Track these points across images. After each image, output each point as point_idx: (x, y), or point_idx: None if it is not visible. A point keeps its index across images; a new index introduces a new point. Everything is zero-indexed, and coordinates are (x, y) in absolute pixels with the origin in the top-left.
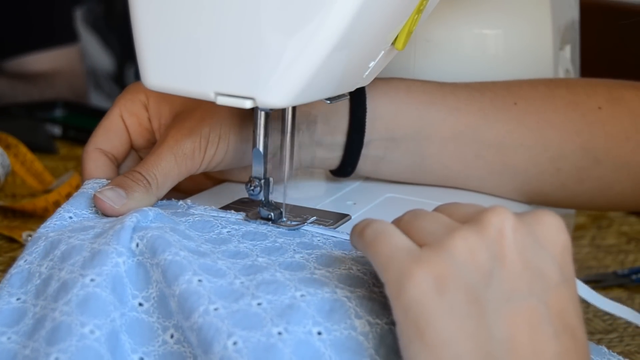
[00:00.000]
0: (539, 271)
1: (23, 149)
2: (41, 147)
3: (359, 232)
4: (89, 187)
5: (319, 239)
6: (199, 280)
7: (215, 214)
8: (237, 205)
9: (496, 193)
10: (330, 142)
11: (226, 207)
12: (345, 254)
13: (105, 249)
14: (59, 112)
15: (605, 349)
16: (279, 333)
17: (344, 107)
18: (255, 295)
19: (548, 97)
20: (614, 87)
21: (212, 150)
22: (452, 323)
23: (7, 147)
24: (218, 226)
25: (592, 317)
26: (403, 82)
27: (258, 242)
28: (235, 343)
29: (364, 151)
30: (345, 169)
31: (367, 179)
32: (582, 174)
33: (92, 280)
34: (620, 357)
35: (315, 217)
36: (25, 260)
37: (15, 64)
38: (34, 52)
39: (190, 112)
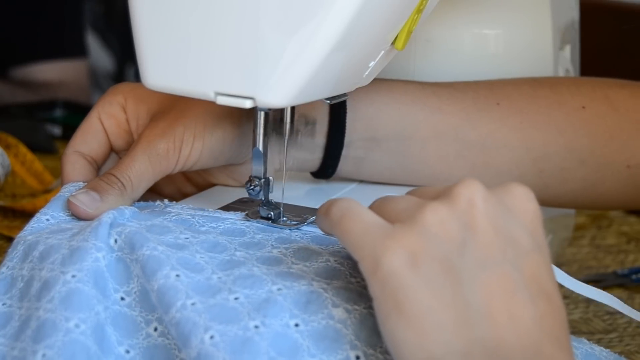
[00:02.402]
0: (511, 238)
1: (23, 149)
2: (41, 147)
3: (324, 211)
4: (66, 190)
5: (297, 234)
6: (177, 275)
7: (193, 212)
8: (237, 205)
9: None
10: (310, 144)
11: (226, 208)
12: (323, 247)
13: (84, 245)
14: (59, 112)
15: (586, 341)
16: (256, 326)
17: (324, 108)
18: (232, 290)
19: (531, 97)
20: (598, 85)
21: (187, 149)
22: (429, 294)
23: (7, 147)
24: (195, 224)
25: (592, 317)
26: (384, 83)
27: (236, 238)
28: (212, 337)
29: (344, 152)
30: (325, 170)
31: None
32: (566, 174)
33: (73, 276)
34: (602, 348)
35: (314, 217)
36: (7, 267)
37: (21, 72)
38: (41, 62)
39: (165, 112)
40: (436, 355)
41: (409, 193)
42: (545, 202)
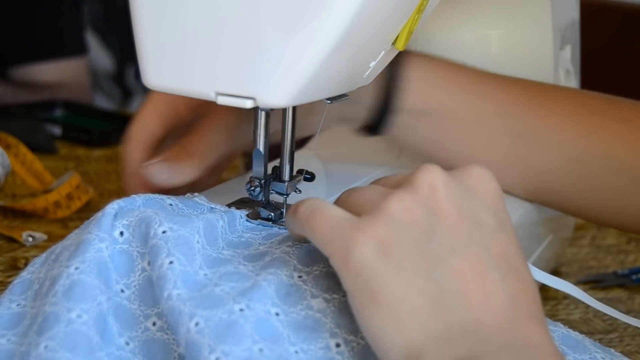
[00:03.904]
0: (476, 219)
1: (23, 149)
2: (41, 147)
3: (292, 212)
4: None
5: (284, 229)
6: (170, 262)
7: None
8: (237, 205)
9: (503, 184)
10: (360, 103)
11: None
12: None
13: (87, 237)
14: (59, 112)
15: (562, 325)
16: (241, 310)
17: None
18: (217, 284)
19: (576, 101)
20: None
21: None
22: (402, 281)
23: (7, 147)
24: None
25: (592, 317)
26: (441, 62)
27: (226, 235)
28: (197, 324)
29: (390, 117)
30: (373, 128)
31: (367, 180)
32: (598, 180)
33: (76, 268)
34: (577, 333)
35: None
36: (27, 272)
37: (22, 72)
38: (42, 62)
39: None
40: (416, 342)
41: (372, 183)
42: (570, 204)
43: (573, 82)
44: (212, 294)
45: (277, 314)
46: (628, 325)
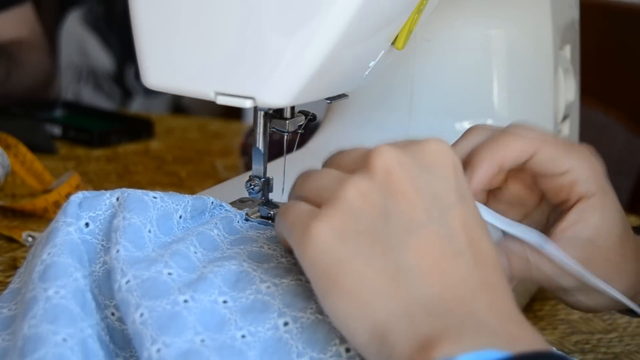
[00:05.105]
0: (434, 196)
1: (23, 149)
2: (41, 147)
3: (277, 215)
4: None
5: (248, 230)
6: (117, 251)
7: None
8: (237, 205)
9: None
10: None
11: None
12: (260, 233)
13: (55, 225)
14: (59, 112)
15: None
16: (185, 301)
17: None
18: (168, 264)
19: None
20: None
21: None
22: (360, 263)
23: (7, 147)
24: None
25: (592, 317)
26: None
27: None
28: (142, 315)
29: None
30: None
31: None
32: None
33: (48, 254)
34: None
35: None
36: (14, 282)
37: None
38: None
39: None
40: (379, 321)
41: (326, 164)
42: None
43: (572, 81)
44: (159, 278)
45: (224, 302)
46: (628, 325)
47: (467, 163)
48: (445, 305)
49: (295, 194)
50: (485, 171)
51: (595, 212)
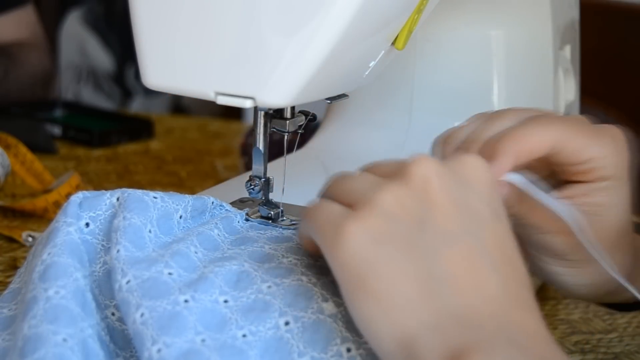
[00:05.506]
0: (470, 210)
1: (23, 149)
2: (41, 147)
3: (303, 214)
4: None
5: (248, 230)
6: (117, 251)
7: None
8: (237, 205)
9: None
10: None
11: None
12: (261, 233)
13: (56, 225)
14: (59, 112)
15: None
16: (186, 301)
17: None
18: (168, 264)
19: None
20: None
21: None
22: (393, 269)
23: (7, 147)
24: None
25: (592, 317)
26: None
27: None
28: (142, 315)
29: None
30: None
31: None
32: None
33: (49, 254)
34: None
35: None
36: (14, 282)
37: None
38: None
39: None
40: (409, 330)
41: (364, 169)
42: None
43: (572, 81)
44: (160, 278)
45: (225, 301)
46: (628, 325)
47: (489, 150)
48: (478, 319)
49: (327, 195)
50: (506, 164)
51: (604, 194)
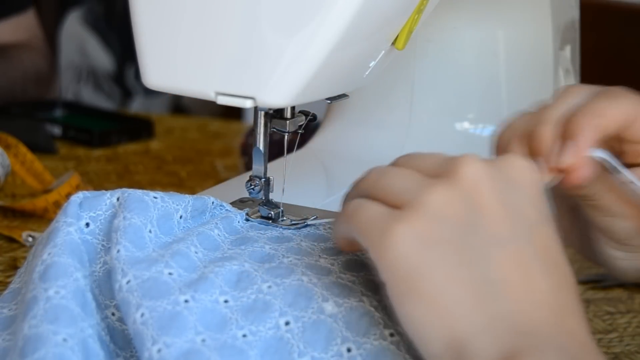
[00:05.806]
0: (519, 212)
1: (23, 149)
2: (41, 147)
3: (342, 213)
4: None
5: (249, 230)
6: (117, 251)
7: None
8: (237, 205)
9: None
10: None
11: None
12: (261, 233)
13: (56, 225)
14: (59, 112)
15: None
16: (186, 301)
17: None
18: (168, 264)
19: None
20: None
21: None
22: (444, 272)
23: (7, 147)
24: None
25: (592, 317)
26: None
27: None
28: (142, 315)
29: None
30: None
31: None
32: None
33: (49, 254)
34: None
35: (315, 216)
36: (14, 282)
37: None
38: None
39: None
40: (459, 332)
41: (399, 164)
42: None
43: (573, 82)
44: (160, 278)
45: (225, 301)
46: (628, 325)
47: (566, 127)
48: (530, 324)
49: (363, 192)
50: (589, 139)
51: None
